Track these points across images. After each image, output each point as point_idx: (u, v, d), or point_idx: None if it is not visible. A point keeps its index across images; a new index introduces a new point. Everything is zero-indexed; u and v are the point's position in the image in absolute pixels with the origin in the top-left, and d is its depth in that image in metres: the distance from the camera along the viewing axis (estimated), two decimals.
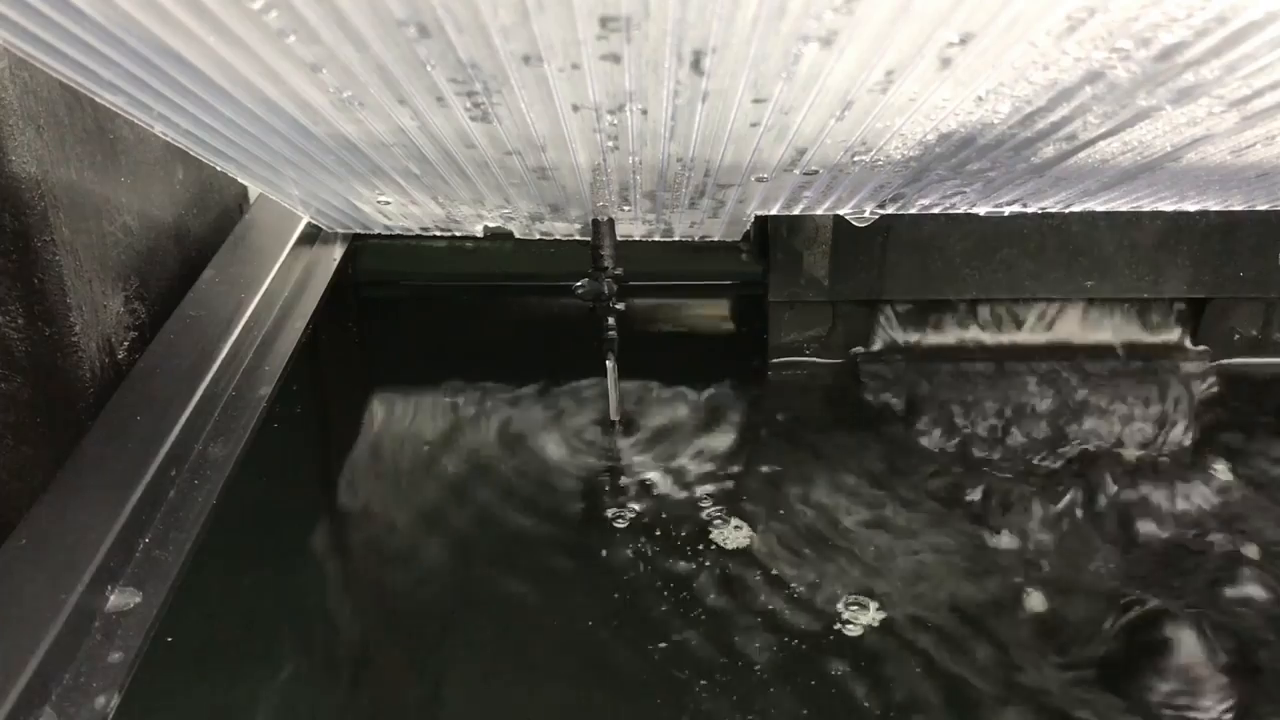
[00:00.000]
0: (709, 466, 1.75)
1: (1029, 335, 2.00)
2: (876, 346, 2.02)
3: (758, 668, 1.37)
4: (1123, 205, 1.58)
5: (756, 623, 1.44)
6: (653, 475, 1.73)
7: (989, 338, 2.01)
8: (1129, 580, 1.53)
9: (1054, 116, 1.11)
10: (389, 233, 1.87)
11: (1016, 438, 1.83)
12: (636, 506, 1.66)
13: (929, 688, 1.35)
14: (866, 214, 1.63)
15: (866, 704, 1.32)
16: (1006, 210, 1.59)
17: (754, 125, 1.17)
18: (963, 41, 0.92)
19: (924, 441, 1.82)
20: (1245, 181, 1.41)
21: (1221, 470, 1.76)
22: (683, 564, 1.54)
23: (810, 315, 2.01)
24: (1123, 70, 0.97)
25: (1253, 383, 1.98)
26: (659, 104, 1.11)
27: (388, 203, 1.64)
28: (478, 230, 1.79)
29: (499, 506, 1.68)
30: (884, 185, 1.45)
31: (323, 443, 1.90)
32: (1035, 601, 1.49)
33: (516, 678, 1.39)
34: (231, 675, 1.35)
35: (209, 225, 1.84)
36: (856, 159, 1.30)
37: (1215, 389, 1.94)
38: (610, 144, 1.25)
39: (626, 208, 1.62)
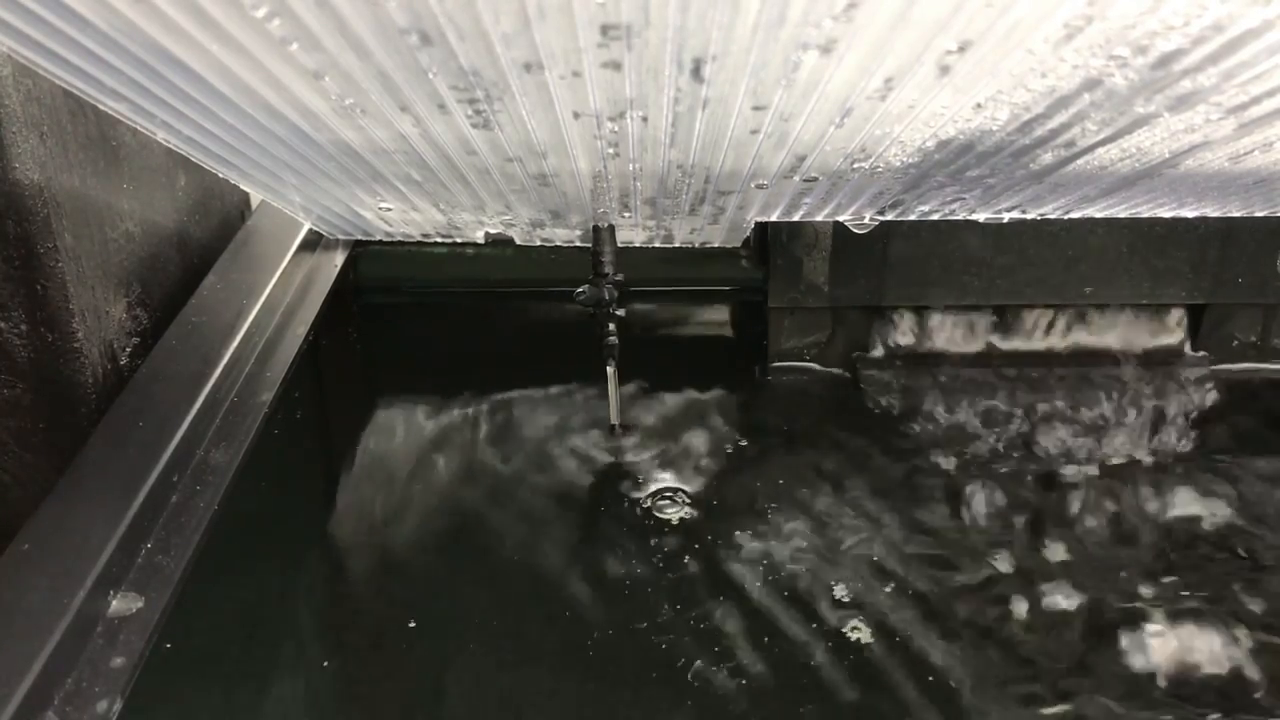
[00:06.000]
0: (706, 469, 1.75)
1: (1028, 341, 2.00)
2: (877, 352, 2.03)
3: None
4: (1121, 211, 1.58)
5: None
6: (651, 477, 1.73)
7: (988, 343, 2.01)
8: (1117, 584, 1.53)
9: (1052, 123, 1.12)
10: (390, 239, 1.87)
11: (1016, 442, 1.83)
12: (636, 507, 1.66)
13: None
14: (866, 220, 1.64)
15: None
16: (1005, 217, 1.59)
17: (754, 132, 1.18)
18: (961, 49, 0.93)
19: (923, 445, 1.83)
20: (1243, 188, 1.42)
21: (1219, 473, 1.76)
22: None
23: (810, 321, 2.01)
24: (1120, 78, 0.98)
25: (1252, 388, 1.98)
26: (659, 111, 1.11)
27: (389, 209, 1.64)
28: (479, 236, 1.79)
29: (499, 511, 1.68)
30: (883, 192, 1.45)
31: (324, 449, 1.90)
32: (1016, 613, 1.50)
33: (516, 679, 1.39)
34: (232, 680, 1.35)
35: (211, 231, 1.84)
36: (856, 166, 1.31)
37: (1214, 394, 1.95)
38: (611, 151, 1.26)
39: (627, 214, 1.62)
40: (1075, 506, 1.68)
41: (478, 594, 1.53)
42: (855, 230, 1.69)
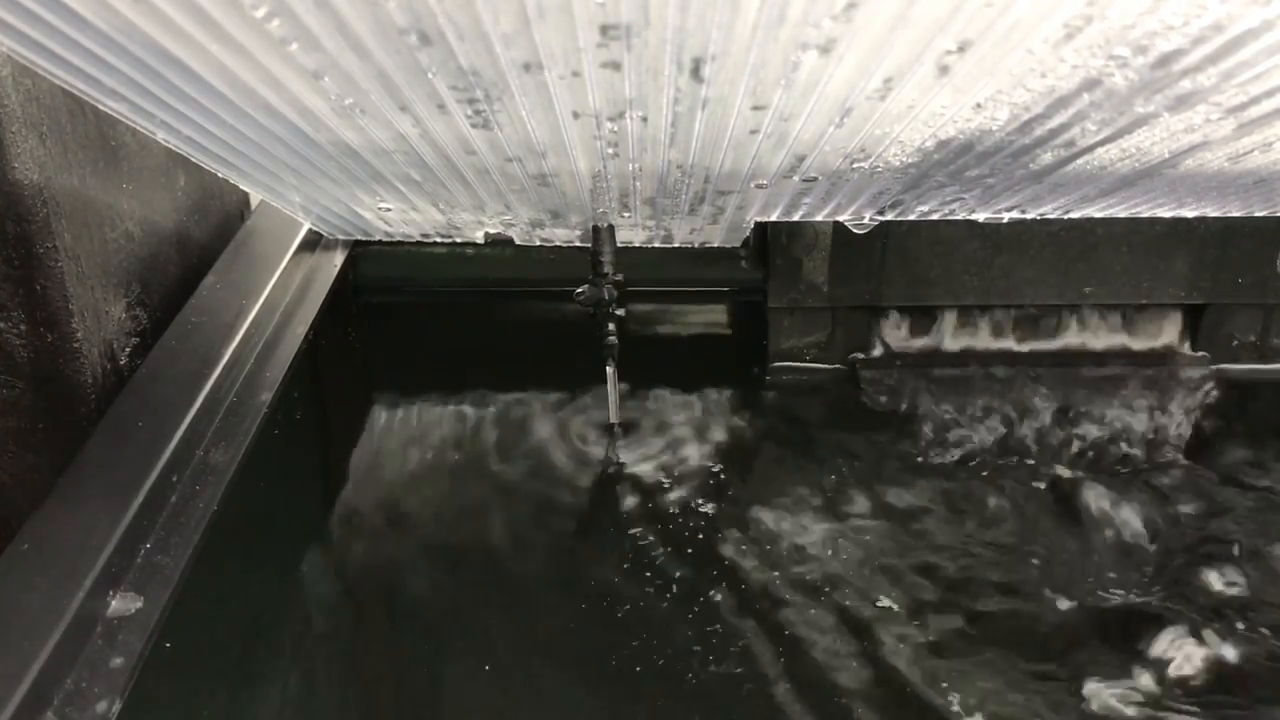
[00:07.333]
0: (705, 470, 1.75)
1: (1027, 341, 2.00)
2: (876, 352, 2.03)
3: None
4: (1121, 211, 1.58)
5: None
6: (650, 476, 1.73)
7: (987, 343, 2.01)
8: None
9: (1052, 123, 1.12)
10: (390, 239, 1.87)
11: (1015, 443, 1.83)
12: (634, 506, 1.66)
13: None
14: (866, 220, 1.64)
15: None
16: (1005, 217, 1.59)
17: (753, 132, 1.18)
18: (961, 49, 0.93)
19: (922, 446, 1.83)
20: (1243, 188, 1.42)
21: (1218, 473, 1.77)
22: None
23: (810, 321, 2.01)
24: (1120, 78, 0.98)
25: (1251, 388, 1.98)
26: (659, 111, 1.11)
27: (389, 209, 1.64)
28: (478, 236, 1.79)
29: (499, 509, 1.68)
30: (883, 192, 1.45)
31: (323, 448, 1.90)
32: (1012, 610, 1.50)
33: (512, 679, 1.39)
34: (232, 680, 1.35)
35: (210, 232, 1.84)
36: (855, 166, 1.31)
37: (1214, 394, 1.95)
38: (610, 151, 1.26)
39: (626, 214, 1.62)
40: (1073, 507, 1.68)
41: (478, 591, 1.53)
42: (855, 230, 1.69)
